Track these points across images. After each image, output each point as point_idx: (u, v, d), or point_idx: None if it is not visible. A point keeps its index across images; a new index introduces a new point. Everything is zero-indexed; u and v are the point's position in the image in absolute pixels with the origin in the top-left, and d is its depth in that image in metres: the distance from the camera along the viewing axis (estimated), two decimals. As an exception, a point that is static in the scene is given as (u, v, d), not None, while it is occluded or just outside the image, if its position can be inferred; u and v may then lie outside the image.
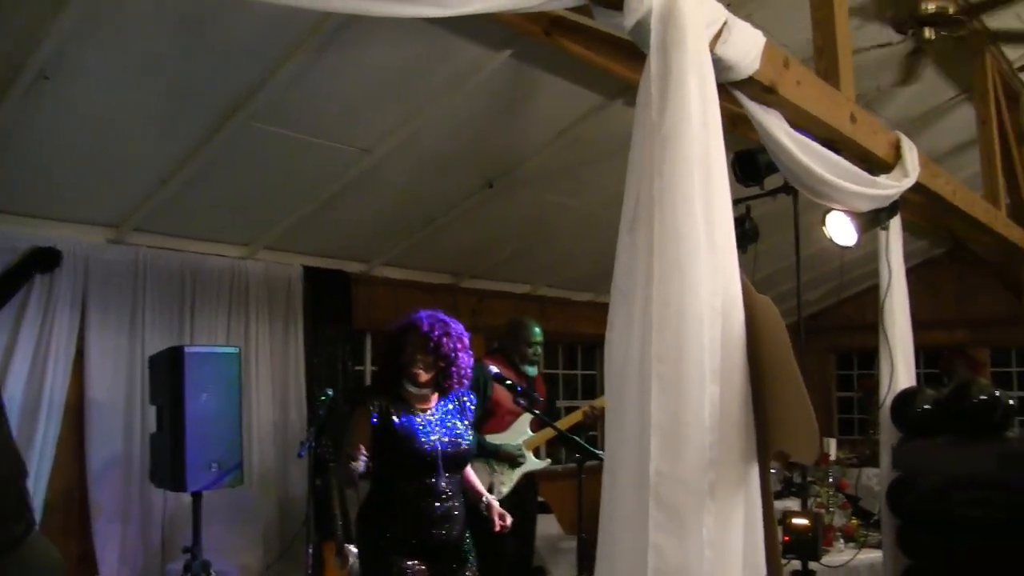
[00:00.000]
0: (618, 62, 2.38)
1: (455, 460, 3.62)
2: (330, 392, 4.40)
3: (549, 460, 5.29)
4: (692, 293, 1.89)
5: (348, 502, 5.40)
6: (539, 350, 5.46)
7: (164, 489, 4.86)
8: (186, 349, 4.22)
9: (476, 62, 4.30)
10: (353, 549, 5.19)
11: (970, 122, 6.19)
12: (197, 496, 4.27)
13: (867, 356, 11.64)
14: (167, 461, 4.27)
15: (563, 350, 8.90)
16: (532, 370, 5.40)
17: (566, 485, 7.26)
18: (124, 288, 5.29)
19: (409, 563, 3.47)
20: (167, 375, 4.29)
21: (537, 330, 5.48)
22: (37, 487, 4.71)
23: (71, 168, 4.51)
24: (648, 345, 1.89)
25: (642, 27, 2.04)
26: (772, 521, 2.14)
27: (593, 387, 9.29)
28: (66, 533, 4.97)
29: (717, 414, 1.87)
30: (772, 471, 4.47)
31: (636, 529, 1.83)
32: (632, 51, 2.20)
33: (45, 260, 4.85)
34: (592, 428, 5.16)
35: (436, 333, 3.62)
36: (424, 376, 3.61)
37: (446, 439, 3.60)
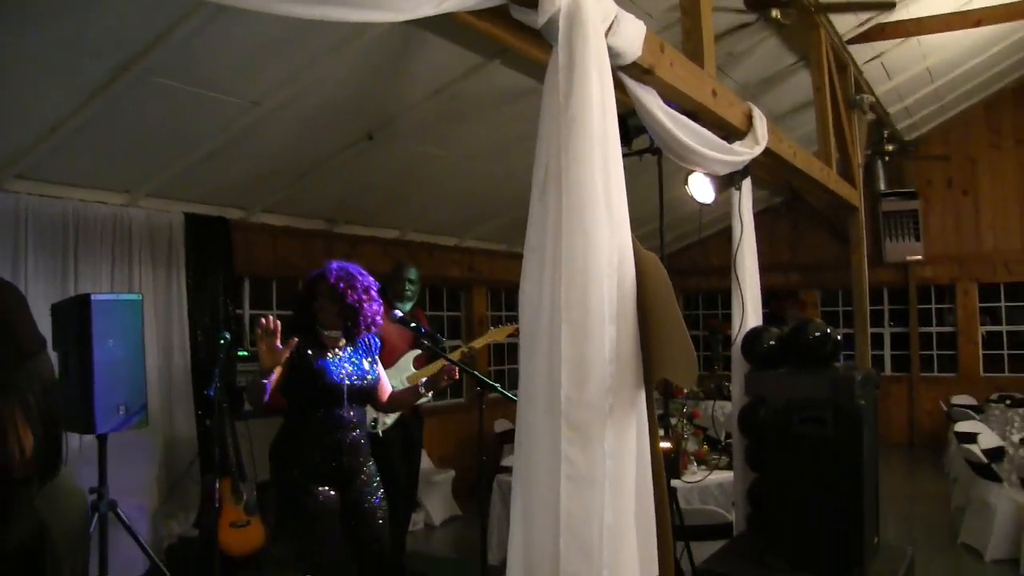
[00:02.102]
0: (498, 27, 2.66)
1: (360, 394, 3.94)
2: (227, 336, 4.59)
3: (431, 394, 5.61)
4: (594, 251, 2.28)
5: (239, 440, 5.65)
6: (411, 287, 5.79)
7: (70, 432, 4.95)
8: (93, 297, 4.32)
9: (365, 23, 4.48)
10: (247, 484, 5.47)
11: (807, 86, 6.81)
12: (103, 438, 4.42)
13: (711, 297, 12.52)
14: (75, 405, 4.39)
15: (430, 292, 9.23)
16: (406, 306, 5.72)
17: (431, 422, 7.67)
18: (5, 235, 5.27)
19: (321, 489, 3.80)
20: (72, 322, 4.38)
21: (413, 271, 5.85)
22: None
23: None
24: (558, 294, 2.26)
25: (552, 23, 2.38)
26: (656, 435, 2.58)
27: (458, 328, 9.67)
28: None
29: (614, 350, 2.28)
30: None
31: (550, 445, 2.23)
32: (511, 18, 2.49)
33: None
34: (470, 366, 5.51)
35: (341, 286, 3.90)
36: (332, 323, 3.91)
37: (354, 376, 3.92)
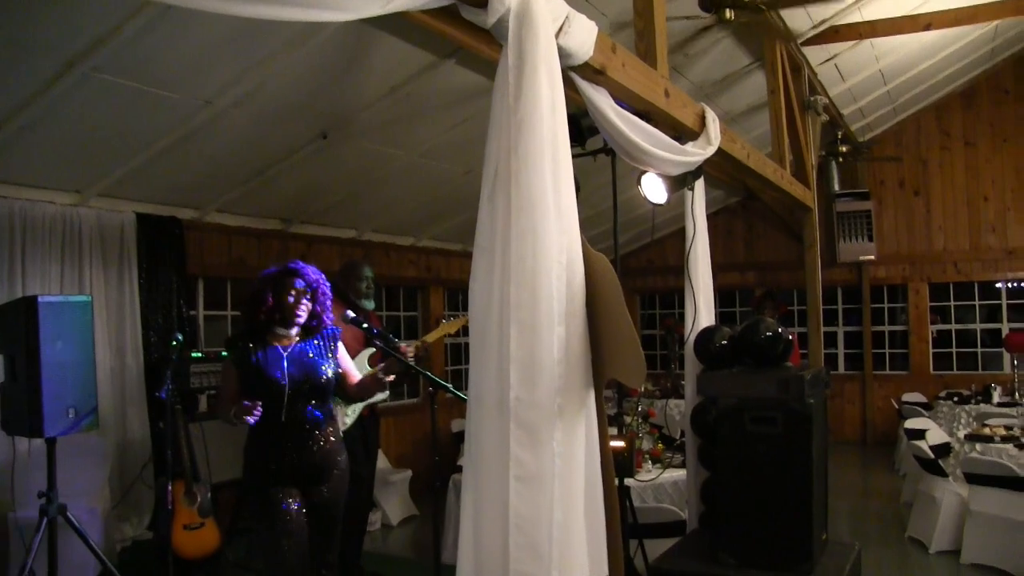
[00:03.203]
0: (451, 26, 2.66)
1: (308, 390, 3.92)
2: (180, 337, 4.55)
3: (388, 393, 5.59)
4: (543, 251, 2.28)
5: (192, 441, 5.58)
6: (371, 284, 5.75)
7: (17, 436, 4.87)
8: (40, 299, 4.24)
9: (319, 22, 4.47)
10: (201, 486, 5.41)
11: (762, 87, 6.89)
12: (51, 442, 4.35)
13: (668, 296, 12.61)
14: (22, 408, 4.30)
15: (387, 292, 9.19)
16: (369, 303, 5.69)
17: (388, 422, 7.66)
18: (-51, 237, 5.19)
19: (283, 489, 3.81)
20: (19, 325, 4.29)
21: (368, 268, 5.78)
22: None
23: None
24: (507, 294, 2.27)
25: (501, 23, 2.38)
26: (605, 435, 2.60)
27: (415, 327, 9.64)
28: None
29: (563, 350, 2.29)
30: (606, 394, 5.01)
31: (499, 445, 2.23)
32: (464, 17, 2.50)
33: None
34: (423, 361, 5.51)
35: (318, 280, 4.05)
36: (304, 317, 3.94)
37: (297, 372, 3.89)
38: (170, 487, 4.44)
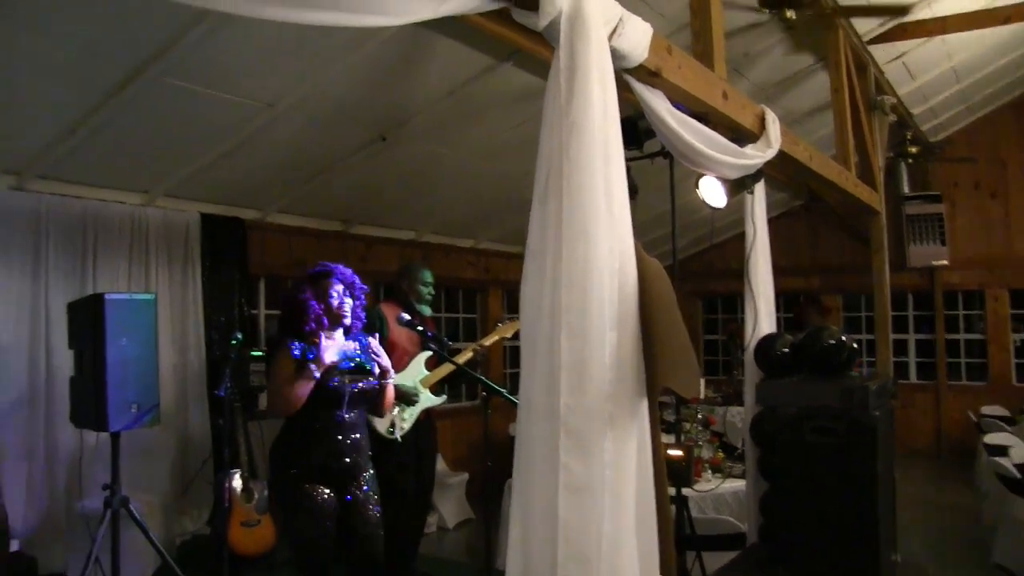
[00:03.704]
0: (507, 28, 2.64)
1: (359, 396, 3.97)
2: (240, 336, 4.61)
3: (445, 397, 5.60)
4: (595, 255, 2.24)
5: (251, 439, 5.66)
6: (432, 290, 5.75)
7: (85, 429, 5.00)
8: (107, 296, 4.35)
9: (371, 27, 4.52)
10: (259, 483, 5.48)
11: (826, 87, 6.72)
12: (115, 435, 4.45)
13: (730, 300, 12.40)
14: (89, 403, 4.42)
15: (445, 294, 9.20)
16: (427, 309, 5.69)
17: (445, 424, 7.66)
18: (26, 234, 5.37)
19: (319, 489, 3.83)
20: (87, 321, 4.41)
21: (428, 272, 5.76)
22: (-54, 430, 4.80)
23: (-26, 116, 4.55)
24: (558, 298, 2.24)
25: (553, 26, 2.35)
26: (659, 446, 2.55)
27: (474, 330, 9.65)
28: (-30, 475, 5.06)
29: (615, 356, 2.25)
30: (664, 400, 4.93)
31: (548, 452, 2.20)
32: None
33: (-54, 207, 4.85)
34: (480, 365, 5.51)
35: (353, 277, 4.09)
36: (349, 316, 4.01)
37: (348, 379, 3.94)
38: (227, 484, 4.50)
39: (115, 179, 5.77)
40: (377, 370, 4.06)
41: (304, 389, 3.81)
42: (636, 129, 3.87)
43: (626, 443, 2.28)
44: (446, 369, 5.41)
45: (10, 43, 3.97)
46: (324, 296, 3.98)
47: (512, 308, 10.14)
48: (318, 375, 3.80)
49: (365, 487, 4.01)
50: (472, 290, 9.59)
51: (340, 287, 4.03)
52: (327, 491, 3.88)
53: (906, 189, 10.84)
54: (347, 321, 4.02)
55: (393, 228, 8.01)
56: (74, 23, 3.96)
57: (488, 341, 5.66)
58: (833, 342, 3.71)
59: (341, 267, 4.13)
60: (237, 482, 5.36)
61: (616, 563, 2.20)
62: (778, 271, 4.44)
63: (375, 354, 4.07)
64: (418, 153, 6.39)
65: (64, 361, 5.41)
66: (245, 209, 6.68)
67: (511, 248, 9.62)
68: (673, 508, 4.13)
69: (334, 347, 3.89)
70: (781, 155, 4.22)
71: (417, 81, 5.37)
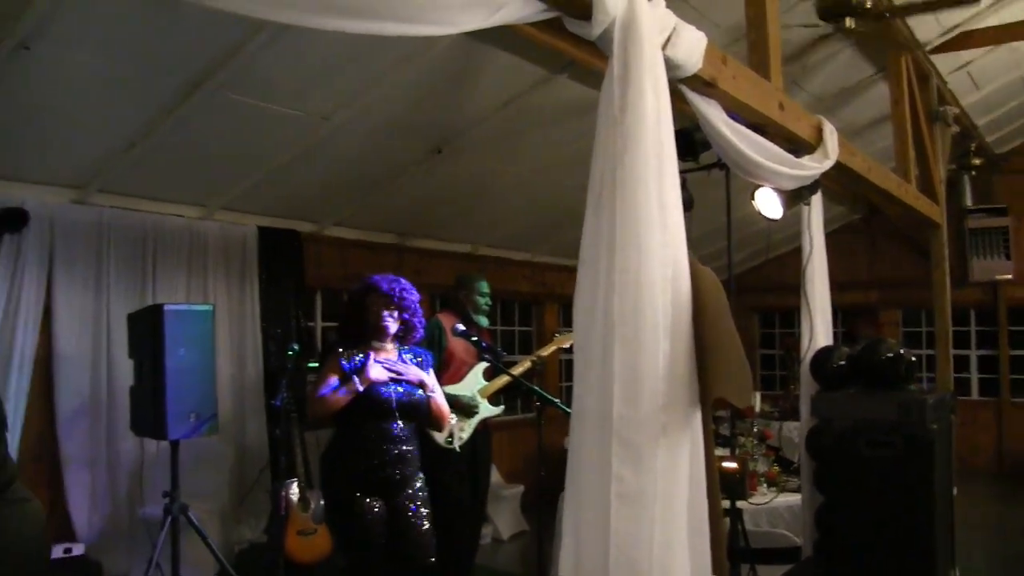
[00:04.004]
0: (560, 39, 2.65)
1: (409, 409, 3.99)
2: (296, 347, 4.67)
3: (503, 407, 5.61)
4: (648, 265, 2.24)
5: (308, 449, 5.71)
6: (489, 300, 5.79)
7: (144, 437, 5.12)
8: (165, 307, 4.46)
9: (431, 38, 4.46)
10: (315, 493, 5.53)
11: (886, 98, 6.62)
12: (175, 444, 4.53)
13: (788, 315, 12.23)
14: (148, 412, 4.52)
15: (501, 307, 9.21)
16: (484, 320, 5.74)
17: (501, 436, 7.66)
18: (89, 247, 5.49)
19: (368, 501, 3.87)
20: (147, 331, 4.52)
21: (485, 283, 5.82)
22: (13, 438, 4.92)
23: (40, 131, 4.68)
24: (610, 308, 2.24)
25: (606, 35, 2.36)
26: (712, 456, 2.53)
27: (529, 342, 9.65)
28: (38, 482, 5.17)
29: (668, 366, 2.24)
30: (720, 415, 4.88)
31: (601, 462, 2.20)
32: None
33: (13, 220, 4.99)
34: (536, 376, 5.52)
35: (397, 289, 4.05)
36: (393, 327, 4.01)
37: (402, 389, 3.97)
38: (284, 493, 4.55)
39: (174, 192, 5.89)
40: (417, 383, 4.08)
41: (336, 400, 3.86)
42: (692, 141, 3.84)
43: (678, 453, 2.27)
44: (503, 380, 5.43)
45: (71, 59, 4.07)
46: (364, 312, 4.03)
47: (568, 321, 10.12)
48: (361, 388, 3.84)
49: (414, 499, 4.02)
50: (527, 303, 9.61)
51: (384, 300, 4.03)
52: (376, 501, 3.92)
53: (969, 202, 10.61)
54: (390, 332, 4.03)
55: (448, 241, 8.06)
56: (133, 39, 4.05)
57: (545, 352, 5.67)
58: (891, 355, 3.66)
59: (387, 279, 4.11)
60: (294, 491, 5.41)
61: (668, 572, 2.18)
62: (836, 285, 4.38)
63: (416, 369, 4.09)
64: (473, 166, 6.43)
65: (125, 371, 5.52)
66: (301, 222, 6.76)
67: (566, 261, 9.61)
68: (727, 520, 4.09)
69: (383, 363, 3.91)
70: (838, 166, 4.16)
71: (471, 94, 5.40)
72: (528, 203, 7.52)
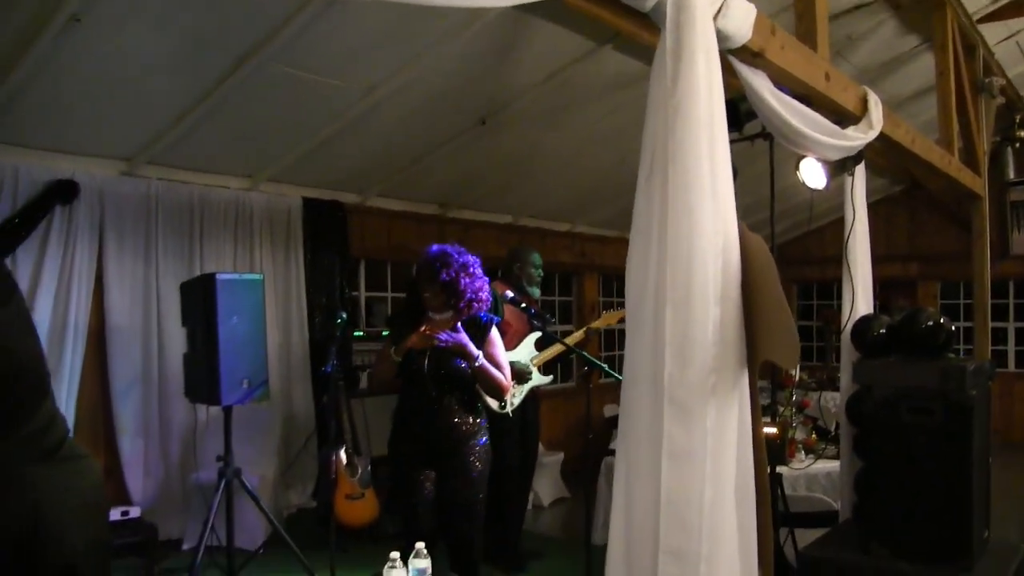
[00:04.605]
0: (608, 11, 2.69)
1: (443, 378, 4.03)
2: (344, 315, 4.79)
3: (552, 376, 5.74)
4: (699, 233, 2.30)
5: (354, 416, 5.86)
6: (541, 272, 5.92)
7: (198, 404, 5.27)
8: (218, 276, 4.58)
9: (477, 10, 4.49)
10: (362, 459, 5.68)
11: (931, 69, 6.56)
12: (228, 410, 4.68)
13: (826, 287, 12.22)
14: (203, 378, 4.66)
15: (543, 277, 9.24)
16: (536, 291, 5.89)
17: (542, 406, 7.74)
18: (138, 218, 5.65)
19: (420, 465, 4.02)
20: (199, 300, 4.65)
21: (538, 255, 5.97)
22: (67, 408, 5.10)
23: (91, 105, 4.81)
24: (662, 275, 2.30)
25: (660, 7, 2.41)
26: (758, 418, 2.60)
27: (569, 312, 9.74)
28: (94, 450, 5.37)
29: (718, 330, 2.31)
30: (760, 385, 4.94)
31: (652, 421, 2.28)
32: (620, 2, 2.52)
33: (64, 192, 5.16)
34: (587, 345, 5.66)
35: (438, 265, 4.03)
36: (434, 303, 4.05)
37: (435, 359, 4.01)
38: (334, 457, 4.69)
39: (220, 164, 6.02)
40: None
41: (381, 371, 4.01)
42: (737, 111, 3.86)
43: (727, 413, 2.34)
44: (555, 349, 5.55)
45: (121, 34, 4.18)
46: (426, 283, 4.03)
47: (608, 292, 10.21)
48: (398, 359, 3.95)
49: (467, 465, 4.07)
50: (568, 273, 9.68)
51: (444, 277, 4.01)
52: (428, 466, 4.03)
53: (1011, 175, 10.49)
54: (450, 303, 4.05)
55: (490, 212, 8.15)
56: (183, 13, 4.14)
57: (597, 325, 5.84)
58: (931, 324, 3.67)
59: (454, 251, 4.09)
60: (342, 457, 5.56)
61: (717, 528, 2.27)
62: (875, 257, 4.39)
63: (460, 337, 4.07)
64: (516, 138, 6.48)
65: (175, 340, 5.69)
66: (345, 193, 6.87)
67: (607, 232, 9.67)
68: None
69: (429, 331, 3.96)
70: (882, 137, 4.17)
71: (516, 66, 5.44)
72: (569, 175, 7.58)
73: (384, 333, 6.42)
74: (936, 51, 6.17)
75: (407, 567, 3.17)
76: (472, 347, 4.03)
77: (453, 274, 4.01)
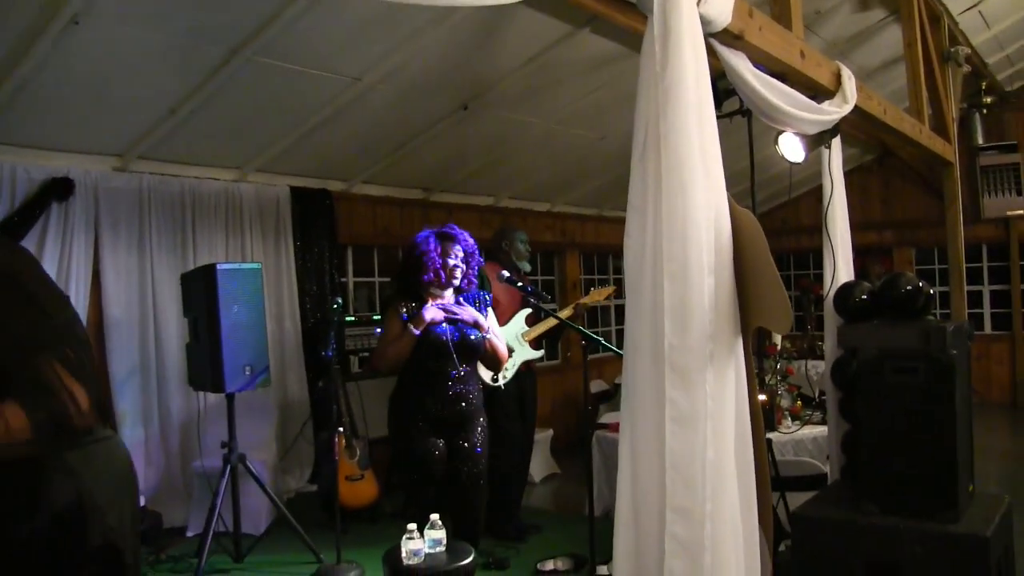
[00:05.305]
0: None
1: (465, 349, 4.19)
2: (340, 301, 4.90)
3: (543, 351, 5.88)
4: (692, 208, 2.44)
5: (350, 399, 5.97)
6: (529, 247, 6.07)
7: (201, 392, 5.36)
8: (218, 266, 4.68)
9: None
10: (360, 441, 5.79)
11: (898, 40, 6.73)
12: (231, 397, 4.78)
13: (802, 257, 12.41)
14: (205, 367, 4.76)
15: (525, 257, 9.39)
16: (527, 265, 6.03)
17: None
18: (132, 212, 5.73)
19: (429, 438, 4.10)
20: (201, 290, 4.74)
21: (523, 232, 6.12)
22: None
23: (83, 103, 4.89)
24: (659, 248, 2.44)
25: (647, -5, 2.54)
26: (753, 381, 2.75)
27: (552, 290, 9.87)
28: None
29: (713, 299, 2.45)
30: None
31: (655, 388, 2.42)
32: None
33: (60, 189, 5.23)
34: (579, 320, 5.78)
35: (462, 235, 4.31)
36: (460, 271, 4.22)
37: (457, 331, 4.17)
38: (335, 439, 4.80)
39: (209, 157, 6.10)
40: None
41: (399, 348, 4.07)
42: (715, 89, 3.98)
43: (725, 377, 2.49)
44: (547, 324, 5.69)
45: (115, 34, 4.26)
46: (444, 254, 4.20)
47: (588, 269, 10.35)
48: (418, 333, 4.05)
49: (474, 438, 4.24)
50: (550, 252, 9.81)
51: (461, 253, 4.23)
52: (438, 440, 4.15)
53: (980, 140, 10.71)
54: (456, 283, 4.22)
55: (472, 195, 8.26)
56: (174, 12, 4.23)
57: (588, 300, 5.97)
58: (910, 288, 3.83)
59: (466, 235, 4.33)
60: (340, 439, 5.68)
61: (719, 487, 2.41)
62: (853, 226, 4.53)
63: (471, 310, 4.29)
64: (498, 121, 6.60)
65: (172, 330, 5.80)
66: (332, 181, 6.97)
67: (587, 211, 9.81)
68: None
69: (439, 306, 4.11)
70: (856, 110, 4.33)
71: (497, 51, 5.54)
72: (549, 155, 7.70)
73: (375, 317, 6.57)
74: (903, 22, 6.34)
75: (423, 538, 3.31)
76: (482, 319, 4.25)
77: (473, 249, 4.29)
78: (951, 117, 7.19)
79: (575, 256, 9.98)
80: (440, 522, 3.41)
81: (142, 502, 5.36)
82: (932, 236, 10.43)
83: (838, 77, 4.16)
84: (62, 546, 1.93)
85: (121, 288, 5.69)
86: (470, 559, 3.48)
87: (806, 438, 5.52)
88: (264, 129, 5.85)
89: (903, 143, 5.94)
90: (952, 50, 7.44)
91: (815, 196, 4.47)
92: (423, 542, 3.33)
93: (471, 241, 4.32)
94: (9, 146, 5.10)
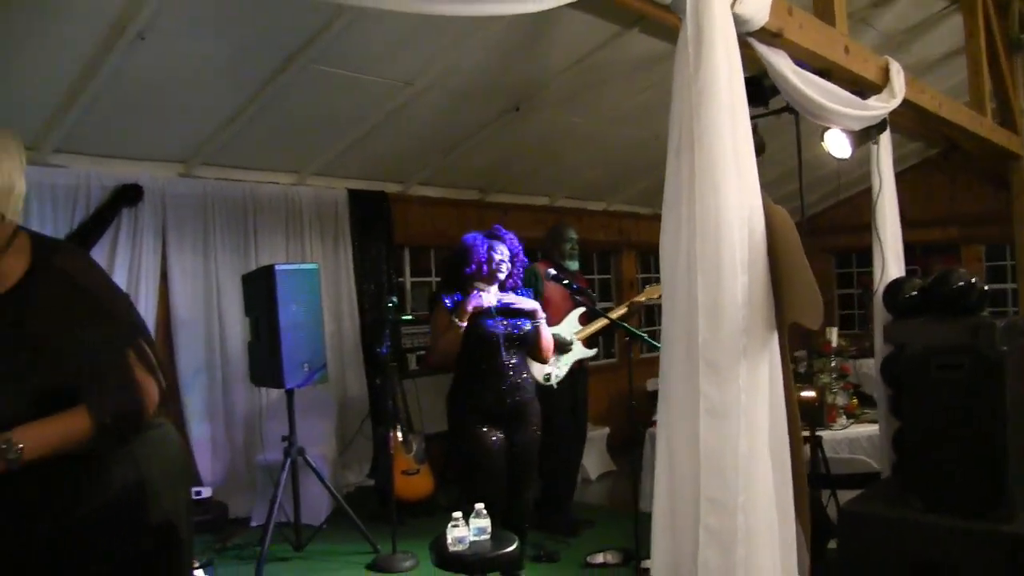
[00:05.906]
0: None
1: (516, 340, 4.25)
2: (395, 299, 5.02)
3: (596, 349, 5.94)
4: (725, 206, 2.48)
5: (407, 396, 6.11)
6: (575, 245, 6.13)
7: (263, 387, 5.53)
8: (276, 267, 4.84)
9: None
10: (416, 436, 5.91)
11: (961, 29, 6.58)
12: (291, 392, 4.94)
13: (865, 255, 12.11)
14: (266, 364, 4.93)
15: (580, 256, 9.39)
16: (573, 264, 6.09)
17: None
18: (196, 216, 5.95)
19: (486, 430, 4.17)
20: (261, 290, 4.91)
21: (571, 230, 6.20)
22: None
23: (151, 113, 5.12)
24: (693, 246, 2.49)
25: (679, -1, 2.59)
26: (789, 375, 2.77)
27: (609, 289, 9.90)
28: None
29: (747, 295, 2.49)
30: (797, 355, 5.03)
31: (689, 382, 2.47)
32: None
33: (130, 196, 5.46)
34: (631, 318, 5.83)
35: (508, 236, 4.38)
36: (506, 269, 4.28)
37: (507, 323, 4.23)
38: (391, 434, 4.92)
39: (269, 162, 6.30)
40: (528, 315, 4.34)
41: (448, 341, 4.14)
42: (761, 87, 4.00)
43: (758, 372, 2.53)
44: (599, 324, 5.76)
45: (175, 46, 4.45)
46: (491, 250, 4.27)
47: (645, 268, 10.35)
48: (463, 325, 4.12)
49: (531, 429, 4.30)
50: (606, 251, 9.84)
51: (506, 253, 4.29)
52: (497, 432, 4.20)
53: (1051, 132, 10.40)
54: (500, 277, 4.27)
55: (527, 195, 8.34)
56: (233, 25, 4.44)
57: (641, 299, 6.00)
58: (962, 284, 3.79)
59: (512, 235, 4.40)
60: (397, 435, 5.81)
61: (752, 479, 2.45)
62: (916, 223, 4.49)
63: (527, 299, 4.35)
64: (549, 121, 6.66)
65: (235, 329, 6.00)
66: (388, 183, 7.12)
67: (642, 209, 9.81)
68: (807, 448, 4.31)
69: (483, 297, 4.18)
70: (908, 104, 4.29)
71: (547, 52, 5.62)
72: (602, 154, 7.74)
73: (406, 318, 6.68)
74: (964, 11, 6.20)
75: (468, 526, 3.40)
76: (539, 307, 4.35)
77: (516, 250, 4.39)
78: (1019, 108, 7.01)
79: (631, 255, 9.99)
80: (485, 511, 3.48)
81: (209, 492, 5.56)
82: (1000, 232, 10.15)
83: (886, 72, 4.13)
84: (124, 521, 2.08)
85: (187, 289, 5.91)
86: (514, 546, 3.54)
87: (861, 436, 5.48)
88: (321, 133, 6.01)
89: (965, 136, 5.82)
90: (1021, 37, 7.23)
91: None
92: (468, 530, 3.42)
93: (517, 242, 4.38)
94: (82, 155, 5.35)
